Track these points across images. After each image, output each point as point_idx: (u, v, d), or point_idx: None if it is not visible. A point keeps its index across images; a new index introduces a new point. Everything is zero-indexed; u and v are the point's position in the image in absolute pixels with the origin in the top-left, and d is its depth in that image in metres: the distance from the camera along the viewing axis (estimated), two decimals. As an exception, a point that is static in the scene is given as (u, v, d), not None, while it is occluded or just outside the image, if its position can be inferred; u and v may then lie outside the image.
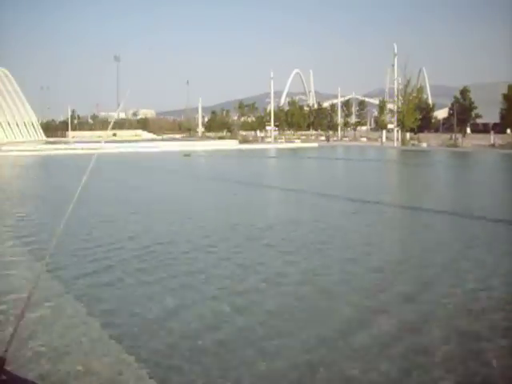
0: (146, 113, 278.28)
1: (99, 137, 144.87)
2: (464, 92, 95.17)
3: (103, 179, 30.39)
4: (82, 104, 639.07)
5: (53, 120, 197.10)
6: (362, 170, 45.38)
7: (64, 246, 12.97)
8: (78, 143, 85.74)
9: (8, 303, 9.00)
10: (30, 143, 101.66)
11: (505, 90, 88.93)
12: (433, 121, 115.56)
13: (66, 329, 8.11)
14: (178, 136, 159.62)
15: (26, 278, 10.61)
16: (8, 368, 1.15)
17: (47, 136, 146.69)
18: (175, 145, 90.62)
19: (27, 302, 1.18)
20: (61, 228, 1.33)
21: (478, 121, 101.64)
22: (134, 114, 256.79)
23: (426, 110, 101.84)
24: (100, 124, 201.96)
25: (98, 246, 13.81)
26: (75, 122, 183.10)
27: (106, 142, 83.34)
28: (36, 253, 12.79)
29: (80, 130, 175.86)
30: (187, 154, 55.40)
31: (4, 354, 1.12)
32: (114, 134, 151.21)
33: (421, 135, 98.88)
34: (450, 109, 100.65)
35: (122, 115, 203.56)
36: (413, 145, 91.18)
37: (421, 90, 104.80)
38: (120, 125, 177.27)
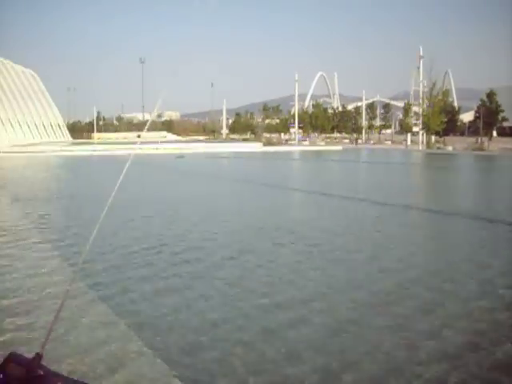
0: (171, 114, 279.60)
1: (124, 138, 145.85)
2: (490, 95, 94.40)
3: (138, 181, 30.55)
4: (107, 105, 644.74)
5: (79, 121, 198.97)
6: (386, 173, 45.20)
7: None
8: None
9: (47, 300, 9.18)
10: (59, 143, 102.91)
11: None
12: (458, 124, 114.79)
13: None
14: (201, 138, 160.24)
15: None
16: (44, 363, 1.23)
17: (73, 137, 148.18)
18: (200, 146, 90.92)
19: (63, 300, 1.22)
20: (95, 232, 1.32)
21: (505, 124, 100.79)
22: (159, 116, 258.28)
23: (451, 113, 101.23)
24: (125, 125, 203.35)
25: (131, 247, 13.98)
26: (100, 123, 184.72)
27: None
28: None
29: (105, 131, 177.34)
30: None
31: (41, 350, 1.20)
32: (139, 136, 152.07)
33: (446, 138, 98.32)
34: (476, 112, 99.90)
35: (147, 117, 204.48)
36: (438, 148, 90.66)
37: (446, 92, 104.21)
38: (145, 126, 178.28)
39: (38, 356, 1.21)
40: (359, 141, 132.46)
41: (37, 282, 10.45)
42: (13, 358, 1.20)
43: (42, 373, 1.18)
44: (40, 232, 16.14)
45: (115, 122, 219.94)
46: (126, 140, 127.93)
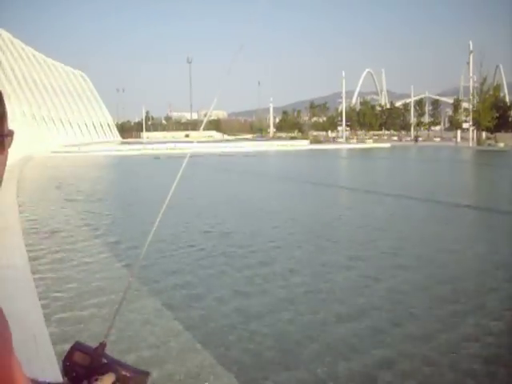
0: (218, 114, 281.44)
1: (173, 137, 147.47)
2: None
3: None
4: (156, 105, 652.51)
5: (128, 121, 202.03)
6: (439, 172, 44.44)
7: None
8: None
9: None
10: (109, 143, 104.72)
11: None
12: (510, 120, 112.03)
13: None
14: (248, 136, 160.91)
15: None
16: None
17: (122, 137, 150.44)
18: (248, 145, 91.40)
19: (125, 291, 1.28)
20: (155, 227, 1.33)
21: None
22: (205, 115, 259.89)
23: (503, 109, 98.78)
24: (173, 125, 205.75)
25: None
26: (149, 123, 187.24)
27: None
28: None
29: (154, 130, 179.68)
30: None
31: (105, 339, 1.28)
32: (187, 135, 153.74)
33: (498, 135, 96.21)
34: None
35: (195, 116, 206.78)
36: (489, 145, 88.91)
37: (498, 87, 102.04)
38: (193, 126, 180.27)
39: (102, 345, 1.27)
40: (407, 138, 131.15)
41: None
42: (78, 347, 1.27)
43: (106, 361, 1.25)
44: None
45: (163, 121, 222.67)
46: (178, 139, 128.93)
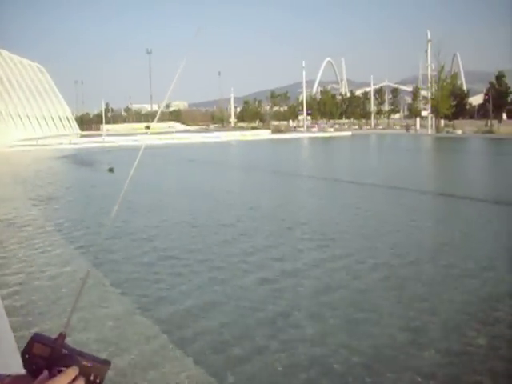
0: (179, 104, 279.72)
1: (133, 129, 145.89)
2: (500, 77, 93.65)
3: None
4: (116, 97, 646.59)
5: (87, 113, 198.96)
6: (403, 159, 44.91)
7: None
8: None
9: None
10: (68, 136, 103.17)
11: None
12: (467, 107, 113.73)
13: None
14: (211, 127, 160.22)
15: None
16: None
17: (82, 129, 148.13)
18: (210, 136, 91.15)
19: (84, 281, 1.29)
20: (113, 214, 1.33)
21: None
22: (167, 106, 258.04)
23: (460, 97, 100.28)
24: (133, 116, 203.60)
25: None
26: (109, 115, 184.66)
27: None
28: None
29: (114, 122, 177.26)
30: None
31: (64, 330, 1.26)
32: (147, 127, 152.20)
33: (455, 122, 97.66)
34: (486, 94, 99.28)
35: (156, 107, 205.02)
36: (447, 132, 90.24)
37: (455, 76, 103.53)
38: (153, 117, 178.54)
39: (62, 336, 1.25)
40: (367, 126, 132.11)
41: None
42: (37, 339, 1.25)
43: (66, 352, 1.24)
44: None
45: (123, 113, 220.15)
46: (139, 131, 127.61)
